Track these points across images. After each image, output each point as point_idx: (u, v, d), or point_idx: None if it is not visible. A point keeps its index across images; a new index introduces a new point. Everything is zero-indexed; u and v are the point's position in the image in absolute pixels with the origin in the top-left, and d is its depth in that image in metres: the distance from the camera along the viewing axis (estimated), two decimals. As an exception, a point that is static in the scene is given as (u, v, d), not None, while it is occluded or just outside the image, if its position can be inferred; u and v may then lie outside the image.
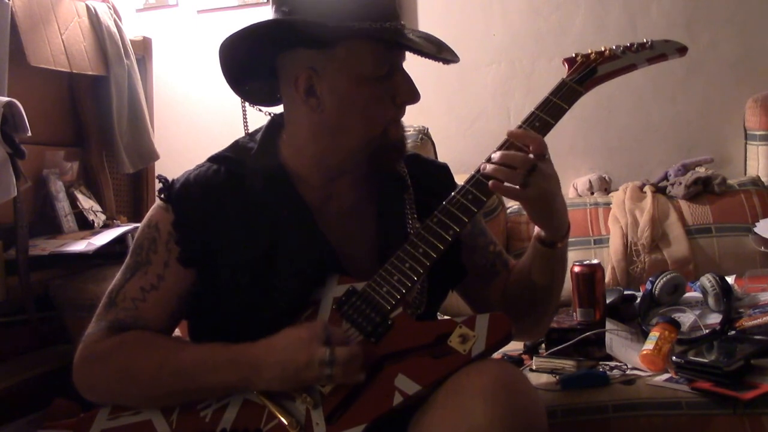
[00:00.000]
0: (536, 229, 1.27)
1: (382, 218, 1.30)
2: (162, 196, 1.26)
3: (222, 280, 1.22)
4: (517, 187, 1.17)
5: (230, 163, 1.27)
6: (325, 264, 1.24)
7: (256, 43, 1.22)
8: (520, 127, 1.22)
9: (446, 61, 1.25)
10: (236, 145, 1.32)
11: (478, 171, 1.21)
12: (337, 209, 1.29)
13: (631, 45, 1.29)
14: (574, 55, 1.29)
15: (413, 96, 1.24)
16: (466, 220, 1.18)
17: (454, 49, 1.28)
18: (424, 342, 1.12)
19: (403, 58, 1.25)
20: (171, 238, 1.24)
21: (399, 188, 1.31)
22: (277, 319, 1.19)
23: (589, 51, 1.28)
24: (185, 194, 1.25)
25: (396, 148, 1.26)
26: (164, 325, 1.25)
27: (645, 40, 1.28)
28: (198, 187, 1.25)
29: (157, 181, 1.29)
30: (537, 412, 1.07)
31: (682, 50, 1.29)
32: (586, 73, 1.25)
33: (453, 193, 1.21)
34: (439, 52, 1.24)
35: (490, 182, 1.18)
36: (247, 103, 1.34)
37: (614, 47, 1.28)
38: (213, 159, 1.29)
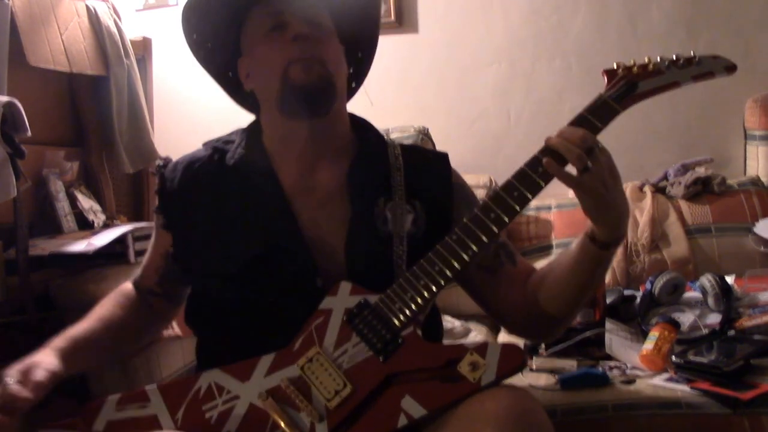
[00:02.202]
0: (588, 224, 1.17)
1: (354, 201, 1.30)
2: (155, 170, 1.41)
3: (192, 244, 1.32)
4: (574, 173, 1.09)
5: (219, 140, 1.39)
6: (284, 232, 1.27)
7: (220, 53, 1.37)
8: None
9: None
10: (234, 130, 1.42)
11: (501, 187, 1.16)
12: (312, 189, 1.31)
13: (677, 59, 1.18)
14: (614, 66, 1.19)
15: (300, 28, 1.27)
16: (487, 241, 1.14)
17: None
18: (433, 365, 1.10)
19: (291, 9, 1.29)
20: (157, 207, 1.40)
21: (378, 173, 1.32)
22: (256, 305, 1.24)
23: (632, 62, 1.19)
24: (171, 168, 1.38)
25: (297, 88, 1.26)
26: (154, 279, 1.42)
27: (692, 55, 1.18)
28: (183, 162, 1.38)
29: (158, 160, 1.45)
30: None
31: (730, 69, 1.18)
32: (626, 89, 1.17)
33: (475, 210, 1.16)
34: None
35: (545, 160, 1.11)
36: None
37: (658, 60, 1.19)
38: (207, 141, 1.42)
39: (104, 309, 1.39)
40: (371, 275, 1.20)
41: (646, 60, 1.19)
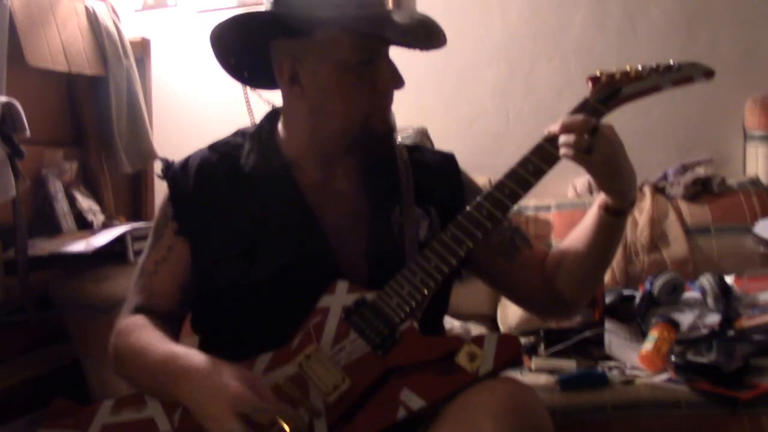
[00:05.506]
0: (601, 196, 1.23)
1: (374, 207, 1.30)
2: (161, 174, 1.33)
3: (212, 253, 1.26)
4: (582, 152, 1.14)
5: (226, 144, 1.34)
6: (310, 239, 1.25)
7: (243, 33, 1.27)
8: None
9: (430, 47, 1.26)
10: (237, 131, 1.38)
11: (495, 185, 1.19)
12: (331, 195, 1.30)
13: (658, 66, 1.25)
14: (598, 73, 1.25)
15: (396, 81, 1.25)
16: (480, 236, 1.17)
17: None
18: (430, 357, 1.11)
19: (386, 45, 1.26)
20: (170, 213, 1.31)
21: (393, 178, 1.31)
22: (278, 310, 1.22)
23: (614, 70, 1.25)
24: (181, 171, 1.32)
25: (378, 139, 1.27)
26: (176, 297, 1.29)
27: (671, 62, 1.25)
28: (193, 165, 1.31)
29: (159, 161, 1.36)
30: None
31: (708, 74, 1.25)
32: (609, 94, 1.22)
33: (468, 207, 1.19)
34: (426, 38, 1.26)
35: (549, 131, 1.17)
36: (249, 92, 1.40)
37: (640, 68, 1.25)
38: (211, 144, 1.36)
39: (145, 336, 1.21)
40: None
41: (628, 68, 1.25)
